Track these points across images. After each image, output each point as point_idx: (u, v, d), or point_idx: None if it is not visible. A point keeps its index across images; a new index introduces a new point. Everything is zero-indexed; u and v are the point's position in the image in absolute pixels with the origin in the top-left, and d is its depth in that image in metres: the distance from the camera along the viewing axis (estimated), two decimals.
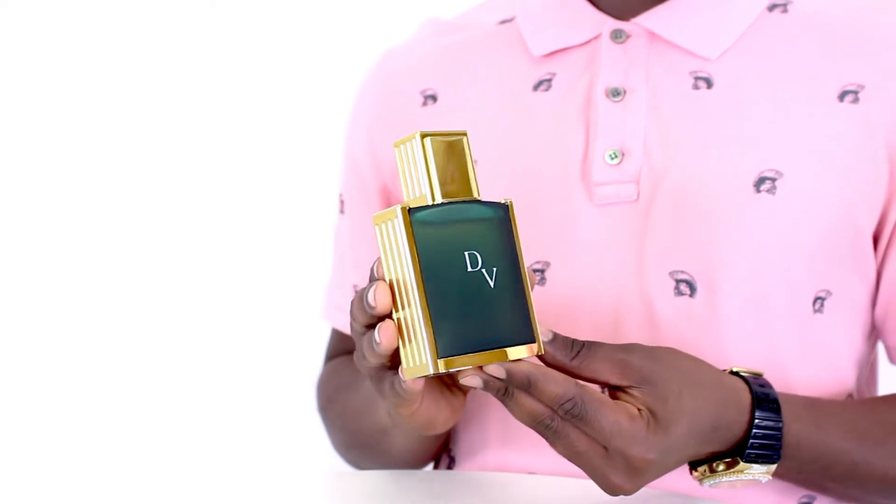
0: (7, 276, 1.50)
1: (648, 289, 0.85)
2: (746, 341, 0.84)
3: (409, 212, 0.64)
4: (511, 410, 0.68)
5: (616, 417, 0.68)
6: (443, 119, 0.93)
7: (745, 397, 0.75)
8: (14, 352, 1.50)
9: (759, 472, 0.75)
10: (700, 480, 0.76)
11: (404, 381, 0.67)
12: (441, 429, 0.78)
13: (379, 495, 0.81)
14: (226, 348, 1.50)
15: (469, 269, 0.64)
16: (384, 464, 0.96)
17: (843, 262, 0.85)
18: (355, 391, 0.96)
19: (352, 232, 1.00)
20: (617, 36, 0.88)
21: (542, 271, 0.87)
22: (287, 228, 1.49)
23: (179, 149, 1.49)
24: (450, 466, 0.96)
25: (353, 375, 0.98)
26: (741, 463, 0.75)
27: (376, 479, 0.85)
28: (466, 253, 0.65)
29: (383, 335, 0.65)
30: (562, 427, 0.68)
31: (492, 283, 0.65)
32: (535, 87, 0.90)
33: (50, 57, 1.49)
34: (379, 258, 0.66)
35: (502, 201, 0.67)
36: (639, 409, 0.70)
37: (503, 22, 0.95)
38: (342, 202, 1.03)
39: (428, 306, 0.64)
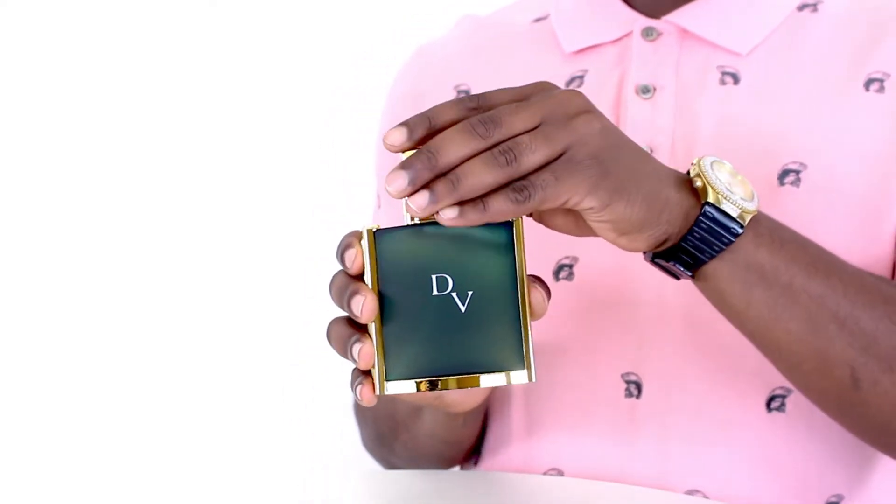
0: (5, 276, 1.49)
1: (674, 282, 0.85)
2: None
3: (379, 232, 0.64)
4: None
5: (507, 89, 0.65)
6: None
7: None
8: (13, 351, 1.49)
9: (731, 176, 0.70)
10: (718, 197, 0.68)
11: (359, 397, 0.65)
12: (465, 407, 0.77)
13: (400, 495, 0.81)
14: (234, 349, 1.49)
15: (435, 292, 0.63)
16: (413, 452, 0.96)
17: (868, 254, 0.85)
18: None
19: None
20: (648, 33, 0.89)
21: (571, 266, 0.88)
22: (288, 228, 1.49)
23: (179, 149, 1.49)
24: (476, 463, 0.96)
25: None
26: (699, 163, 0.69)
27: (400, 479, 0.85)
28: (434, 276, 0.63)
29: (361, 354, 0.64)
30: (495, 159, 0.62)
31: (463, 308, 0.63)
32: (568, 84, 0.91)
33: (50, 57, 1.48)
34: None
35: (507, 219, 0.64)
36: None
37: (538, 20, 0.97)
38: (378, 196, 1.03)
39: (381, 329, 0.63)
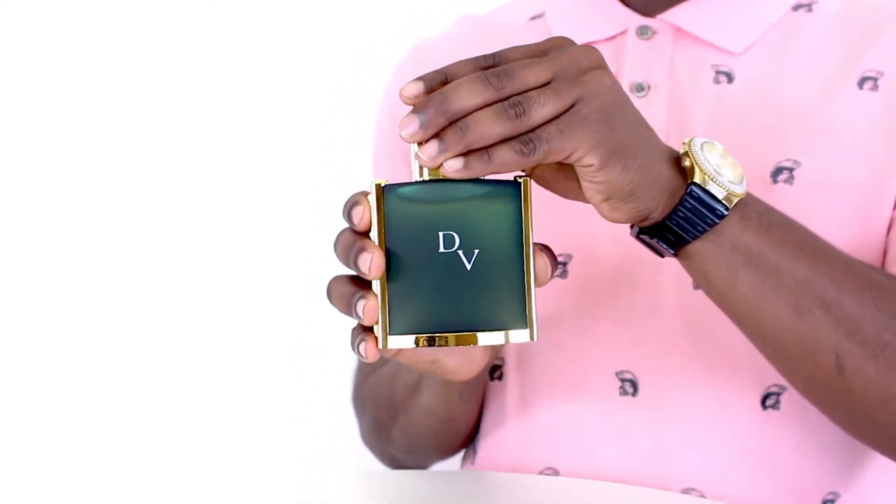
0: (4, 276, 1.50)
1: (668, 280, 0.85)
2: None
3: (387, 188, 0.63)
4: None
5: (522, 46, 0.66)
6: None
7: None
8: (13, 351, 1.49)
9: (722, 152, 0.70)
10: (705, 180, 0.68)
11: (362, 353, 0.65)
12: (463, 375, 0.77)
13: (399, 495, 0.81)
14: (234, 349, 1.49)
15: (441, 249, 0.63)
16: (410, 435, 0.96)
17: (862, 251, 0.85)
18: (385, 361, 0.96)
19: None
20: (643, 32, 0.89)
21: (565, 264, 0.88)
22: (288, 228, 1.49)
23: (179, 149, 1.49)
24: (473, 463, 0.96)
25: None
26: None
27: (399, 479, 0.85)
28: (441, 233, 0.63)
29: (365, 310, 0.64)
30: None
31: (468, 265, 0.63)
32: None
33: (50, 57, 1.48)
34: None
35: (516, 177, 0.65)
36: None
37: (534, 18, 0.97)
38: None
39: (386, 284, 0.63)
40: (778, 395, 0.84)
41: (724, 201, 0.69)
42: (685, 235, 0.69)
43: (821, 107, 0.85)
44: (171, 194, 1.49)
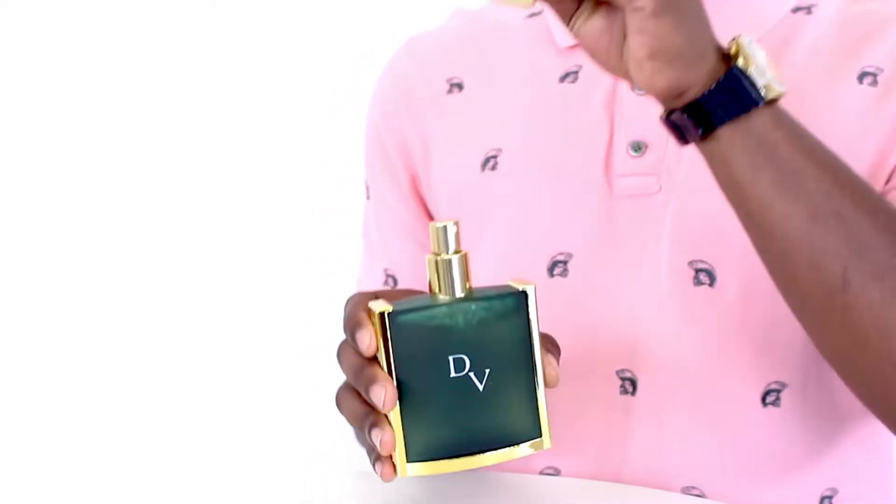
0: (4, 276, 1.50)
1: (668, 278, 0.85)
2: (768, 329, 0.84)
3: (392, 315, 0.63)
4: None
5: None
6: (468, 107, 0.94)
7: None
8: (13, 351, 1.49)
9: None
10: (749, 62, 0.69)
11: (380, 475, 0.66)
12: None
13: (398, 495, 0.81)
14: (234, 349, 1.49)
15: (453, 374, 0.63)
16: None
17: None
18: None
19: (378, 216, 1.01)
20: None
21: (565, 262, 0.88)
22: (288, 228, 1.49)
23: (180, 149, 1.49)
24: None
25: None
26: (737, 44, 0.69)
27: (398, 479, 0.85)
28: (451, 357, 0.63)
29: (383, 443, 0.64)
30: None
31: (480, 387, 0.63)
32: (562, 79, 0.91)
33: (50, 57, 1.48)
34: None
35: (520, 288, 0.64)
36: None
37: (532, 15, 0.97)
38: (367, 187, 1.03)
39: (402, 413, 0.63)
40: (778, 391, 0.84)
41: (762, 90, 0.68)
42: (719, 116, 0.68)
43: (822, 102, 0.85)
44: (170, 194, 1.49)
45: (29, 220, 1.49)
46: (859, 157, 0.84)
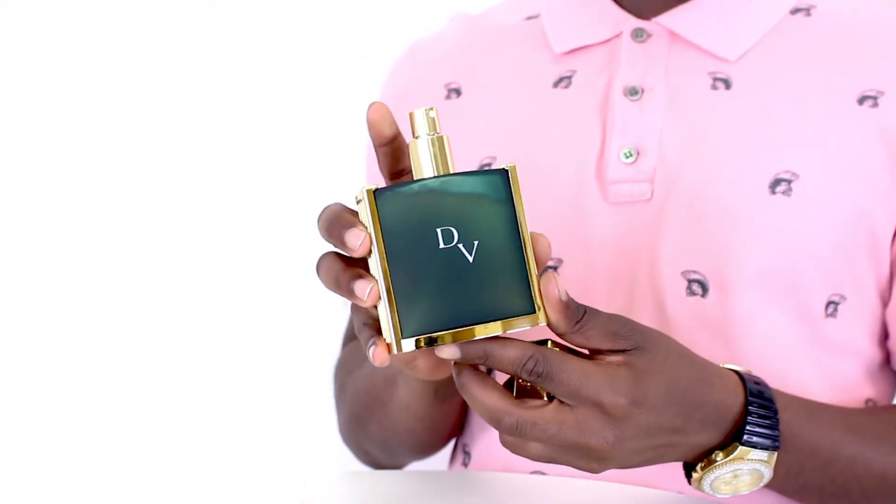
0: (4, 276, 1.50)
1: (660, 288, 0.84)
2: (757, 343, 0.84)
3: (377, 192, 0.63)
4: (470, 403, 0.67)
5: (581, 366, 0.65)
6: (465, 113, 0.93)
7: (736, 382, 0.72)
8: (12, 351, 1.49)
9: (760, 459, 0.72)
10: (699, 482, 0.73)
11: (372, 358, 0.65)
12: (436, 375, 0.77)
13: (395, 495, 0.81)
14: (234, 349, 1.49)
15: (442, 245, 0.63)
16: (388, 431, 0.95)
17: (858, 266, 0.84)
18: None
19: None
20: (638, 35, 0.88)
21: (555, 268, 0.87)
22: (288, 228, 1.49)
23: (179, 149, 1.49)
24: (464, 462, 0.95)
25: None
26: (740, 447, 0.71)
27: (396, 479, 0.85)
28: (439, 229, 0.63)
29: (369, 295, 0.63)
30: (522, 418, 0.65)
31: (470, 258, 0.63)
32: (556, 84, 0.90)
33: (50, 57, 1.48)
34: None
35: (502, 167, 0.65)
36: (616, 364, 0.66)
37: (529, 18, 0.96)
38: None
39: (392, 287, 0.63)
40: None
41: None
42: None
43: (820, 119, 0.84)
44: (170, 194, 1.49)
45: (29, 219, 1.49)
46: (863, 178, 0.83)
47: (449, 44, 0.99)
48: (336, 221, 0.64)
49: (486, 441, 0.92)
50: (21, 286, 1.49)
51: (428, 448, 0.98)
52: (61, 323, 1.49)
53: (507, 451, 0.89)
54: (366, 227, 0.63)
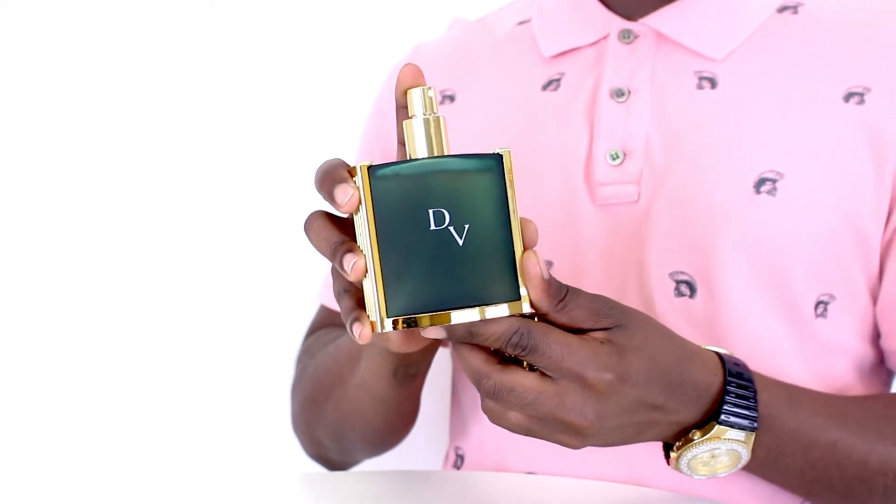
0: (3, 276, 1.50)
1: (649, 289, 0.84)
2: (746, 343, 0.84)
3: (372, 169, 0.63)
4: (460, 364, 0.67)
5: (565, 338, 0.65)
6: (459, 119, 0.94)
7: (716, 362, 0.73)
8: (12, 351, 1.49)
9: (738, 439, 0.72)
10: (677, 461, 0.73)
11: (356, 336, 0.64)
12: (406, 348, 0.77)
13: (393, 494, 0.81)
14: (228, 350, 1.49)
15: (433, 227, 0.63)
16: (341, 413, 0.95)
17: (847, 265, 0.84)
18: (335, 338, 0.96)
19: None
20: (625, 36, 0.88)
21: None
22: (287, 228, 1.49)
23: (179, 149, 1.49)
24: (456, 464, 0.95)
25: (335, 331, 0.99)
26: (717, 426, 0.71)
27: (394, 479, 0.85)
28: (431, 210, 0.62)
29: (353, 270, 0.63)
30: (500, 382, 0.65)
31: (460, 241, 0.63)
32: (545, 87, 0.91)
33: (50, 57, 1.48)
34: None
35: (496, 150, 0.64)
36: (600, 340, 0.66)
37: (521, 23, 0.97)
38: None
39: (381, 265, 0.63)
40: None
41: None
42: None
43: (806, 118, 0.84)
44: (170, 194, 1.50)
45: (29, 219, 1.50)
46: (849, 177, 0.83)
47: (447, 49, 1.00)
48: (329, 174, 0.64)
49: (478, 444, 0.92)
50: (20, 286, 1.50)
51: (378, 441, 0.98)
52: (60, 322, 1.49)
53: (500, 455, 0.89)
54: (358, 188, 0.63)
